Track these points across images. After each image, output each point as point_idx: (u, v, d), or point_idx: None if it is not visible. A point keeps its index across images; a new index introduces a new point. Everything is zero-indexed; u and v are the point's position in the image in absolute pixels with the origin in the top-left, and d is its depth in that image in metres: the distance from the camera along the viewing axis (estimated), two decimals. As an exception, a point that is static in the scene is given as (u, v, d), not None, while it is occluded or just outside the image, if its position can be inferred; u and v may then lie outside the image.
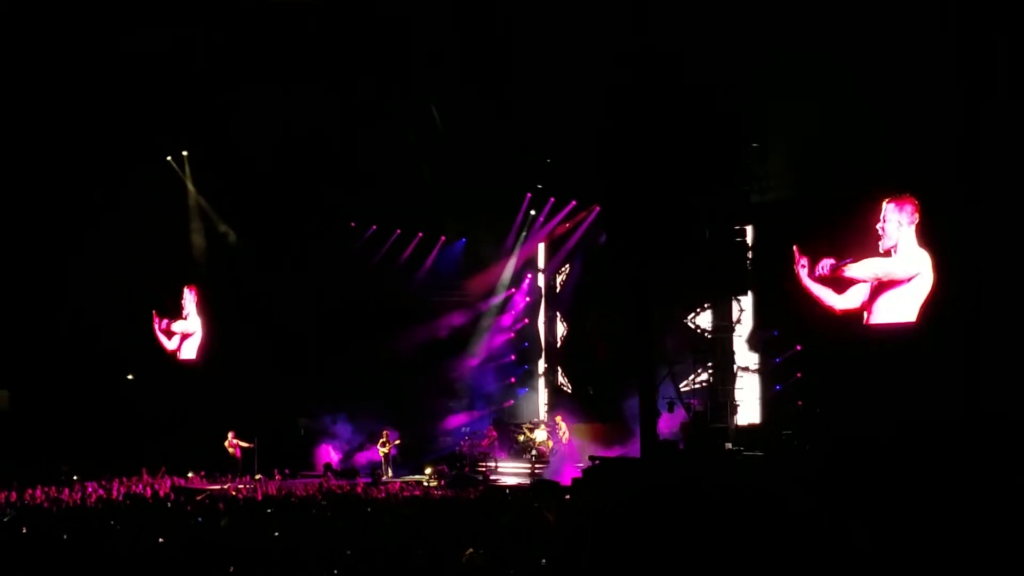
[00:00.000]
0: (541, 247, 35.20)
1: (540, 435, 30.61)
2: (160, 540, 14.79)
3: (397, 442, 30.70)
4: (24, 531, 16.11)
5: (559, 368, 34.59)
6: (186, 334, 34.41)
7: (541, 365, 35.23)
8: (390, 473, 29.53)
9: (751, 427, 26.67)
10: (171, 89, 27.18)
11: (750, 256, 24.80)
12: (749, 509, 16.24)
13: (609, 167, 23.66)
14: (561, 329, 34.71)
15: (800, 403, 25.53)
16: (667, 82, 22.32)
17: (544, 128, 27.53)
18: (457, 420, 34.10)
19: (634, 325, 24.05)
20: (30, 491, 23.10)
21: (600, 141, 23.50)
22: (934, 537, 12.29)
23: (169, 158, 31.33)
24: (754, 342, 27.05)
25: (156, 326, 34.65)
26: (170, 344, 34.67)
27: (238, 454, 29.21)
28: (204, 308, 34.39)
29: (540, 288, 35.62)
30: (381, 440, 30.53)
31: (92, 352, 32.39)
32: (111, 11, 24.84)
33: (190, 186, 32.31)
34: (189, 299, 34.55)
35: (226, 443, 29.28)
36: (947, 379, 21.68)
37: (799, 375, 25.84)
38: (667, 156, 22.16)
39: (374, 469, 29.29)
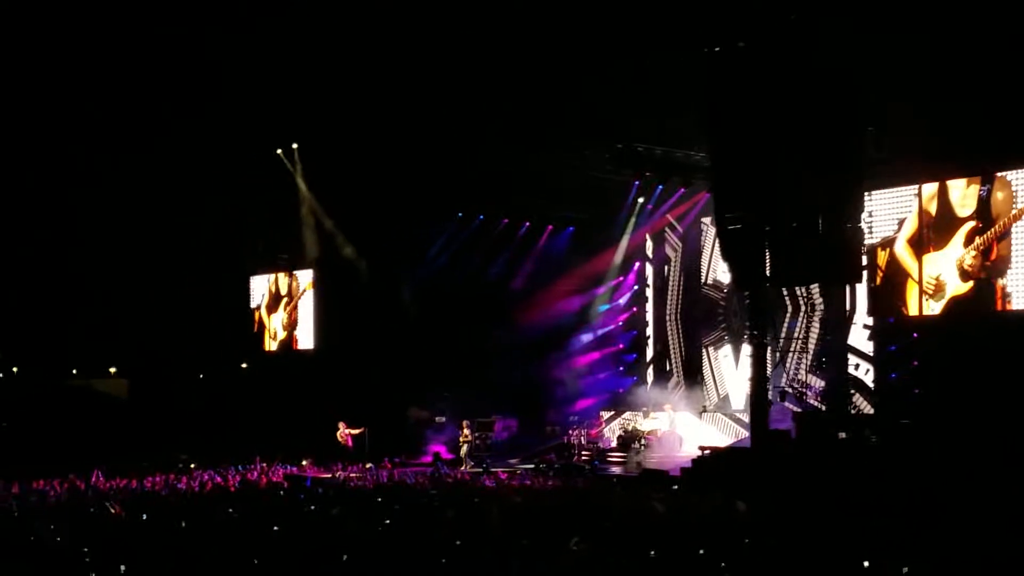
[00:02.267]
0: (648, 236, 34.95)
1: (647, 424, 30.39)
2: (275, 528, 15.03)
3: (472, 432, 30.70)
4: (144, 518, 16.52)
5: (670, 356, 34.32)
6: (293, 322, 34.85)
7: (649, 353, 34.98)
8: (470, 464, 29.39)
9: (866, 416, 26.12)
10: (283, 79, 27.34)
11: (865, 242, 24.23)
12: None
13: (720, 151, 23.23)
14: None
15: (917, 391, 24.92)
16: (783, 62, 21.83)
17: (655, 113, 27.16)
18: (566, 409, 34.05)
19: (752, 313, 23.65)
20: (148, 479, 23.66)
21: (711, 124, 23.07)
22: None
23: (280, 151, 31.64)
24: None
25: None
26: (280, 334, 35.18)
27: (350, 443, 29.57)
28: (318, 298, 34.74)
29: (648, 276, 35.36)
30: (463, 433, 30.54)
31: (208, 341, 33.08)
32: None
33: (300, 181, 32.61)
34: (302, 286, 34.92)
35: (338, 434, 29.63)
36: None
37: (915, 363, 25.22)
38: (782, 140, 21.69)
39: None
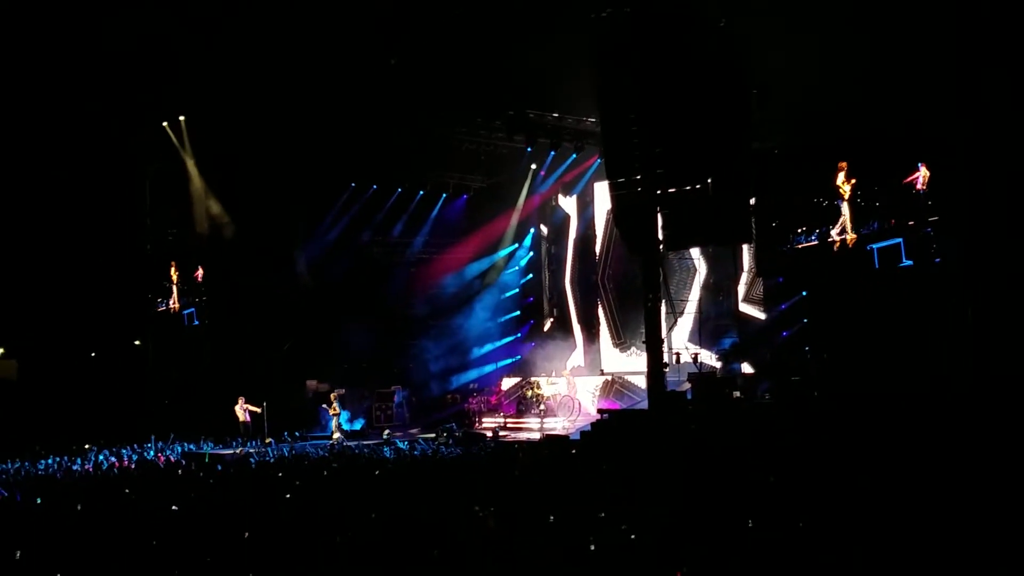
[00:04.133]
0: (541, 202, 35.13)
1: (547, 390, 30.65)
2: (174, 508, 14.87)
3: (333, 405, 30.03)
4: (39, 502, 16.20)
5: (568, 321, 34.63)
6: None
7: (548, 320, 35.26)
8: (337, 436, 28.98)
9: (758, 375, 26.71)
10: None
11: (752, 203, 24.67)
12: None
13: (610, 116, 23.40)
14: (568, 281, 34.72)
15: (807, 349, 25.55)
16: (669, 26, 22.03)
17: (541, 78, 27.23)
18: (464, 377, 34.22)
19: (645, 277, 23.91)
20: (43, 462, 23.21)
21: (601, 90, 23.21)
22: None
23: (166, 124, 30.96)
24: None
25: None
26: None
27: (248, 419, 28.90)
28: (207, 277, 34.03)
29: (544, 242, 35.57)
30: (332, 403, 29.85)
31: (99, 320, 32.38)
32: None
33: (187, 154, 31.86)
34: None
35: (236, 408, 28.94)
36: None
37: (805, 321, 25.84)
38: (670, 104, 21.93)
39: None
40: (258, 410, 28.79)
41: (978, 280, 20.99)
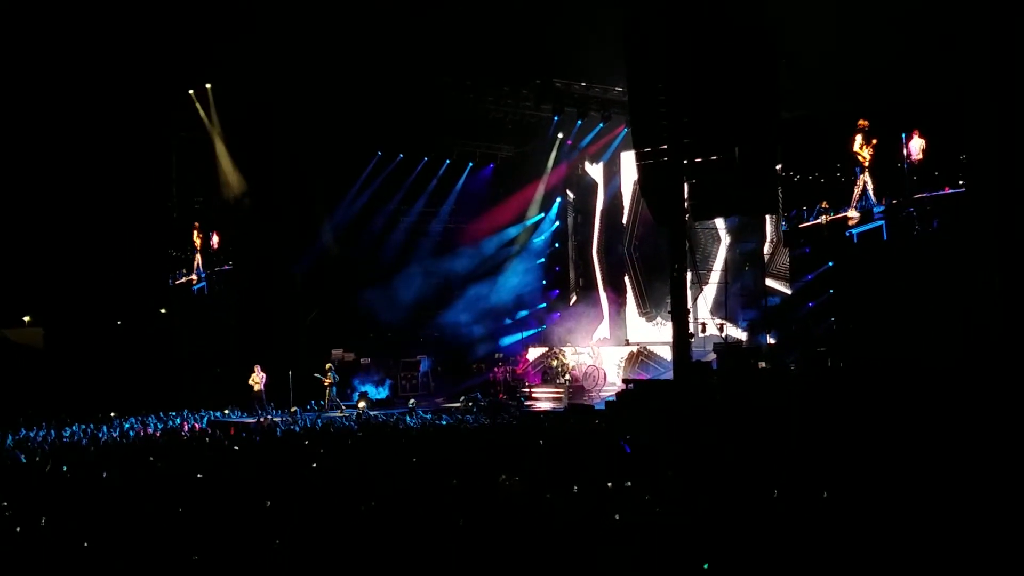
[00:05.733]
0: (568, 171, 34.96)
1: (572, 359, 30.59)
2: (198, 476, 14.93)
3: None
4: (64, 470, 16.31)
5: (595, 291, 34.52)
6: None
7: (574, 290, 35.16)
8: (336, 404, 28.29)
9: (783, 345, 26.53)
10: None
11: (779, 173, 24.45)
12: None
13: (638, 85, 23.25)
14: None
15: (833, 320, 25.35)
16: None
17: (569, 47, 27.07)
18: (490, 347, 34.21)
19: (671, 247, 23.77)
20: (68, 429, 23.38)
21: (629, 59, 23.06)
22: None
23: (192, 92, 30.91)
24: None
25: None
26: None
27: (262, 388, 28.46)
28: (230, 245, 33.87)
29: (571, 212, 35.41)
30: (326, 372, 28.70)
31: (124, 289, 32.51)
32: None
33: (209, 121, 31.75)
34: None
35: (252, 377, 28.65)
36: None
37: (831, 292, 25.63)
38: (698, 73, 21.75)
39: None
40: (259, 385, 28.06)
41: (1007, 248, 20.70)
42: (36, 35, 26.34)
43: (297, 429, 22.63)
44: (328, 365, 28.76)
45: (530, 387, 30.70)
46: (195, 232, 34.02)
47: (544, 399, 29.57)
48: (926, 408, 17.11)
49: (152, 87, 29.07)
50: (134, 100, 29.37)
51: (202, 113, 31.34)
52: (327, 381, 28.31)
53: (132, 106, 29.66)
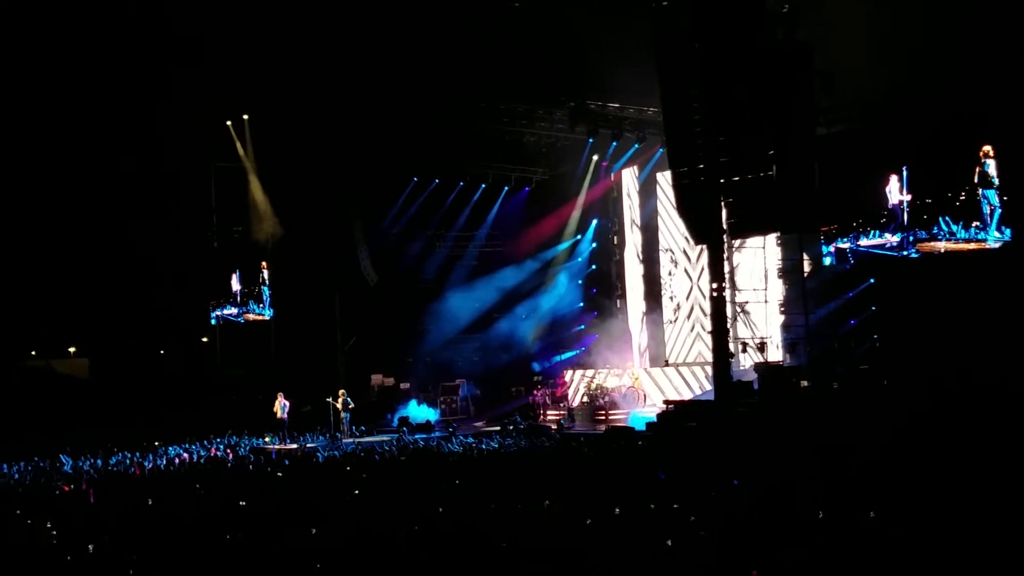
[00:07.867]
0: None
1: (611, 381, 30.44)
2: (241, 503, 15.02)
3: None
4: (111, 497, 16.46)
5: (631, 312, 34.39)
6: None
7: (612, 310, 35.02)
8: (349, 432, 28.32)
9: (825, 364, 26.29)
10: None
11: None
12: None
13: (672, 105, 23.26)
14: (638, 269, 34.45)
15: (876, 337, 25.14)
16: (732, 12, 21.79)
17: (602, 68, 27.11)
18: (528, 370, 34.17)
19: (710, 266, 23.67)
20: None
21: (663, 79, 23.07)
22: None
23: (229, 123, 31.18)
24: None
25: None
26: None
27: (284, 416, 28.32)
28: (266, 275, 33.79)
29: (608, 233, 35.30)
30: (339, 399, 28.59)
31: (166, 318, 32.77)
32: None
33: (245, 153, 31.91)
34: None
35: (276, 405, 27.89)
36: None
37: (873, 309, 25.42)
38: (733, 91, 21.69)
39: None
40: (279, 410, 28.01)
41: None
42: (79, 65, 26.67)
43: (338, 455, 22.71)
44: (341, 392, 28.74)
45: (571, 410, 30.56)
46: (235, 261, 34.19)
47: (583, 421, 29.42)
48: (981, 425, 16.96)
49: (192, 117, 29.36)
50: (175, 130, 29.66)
51: (238, 145, 31.62)
52: (339, 406, 28.22)
53: (174, 136, 29.96)
